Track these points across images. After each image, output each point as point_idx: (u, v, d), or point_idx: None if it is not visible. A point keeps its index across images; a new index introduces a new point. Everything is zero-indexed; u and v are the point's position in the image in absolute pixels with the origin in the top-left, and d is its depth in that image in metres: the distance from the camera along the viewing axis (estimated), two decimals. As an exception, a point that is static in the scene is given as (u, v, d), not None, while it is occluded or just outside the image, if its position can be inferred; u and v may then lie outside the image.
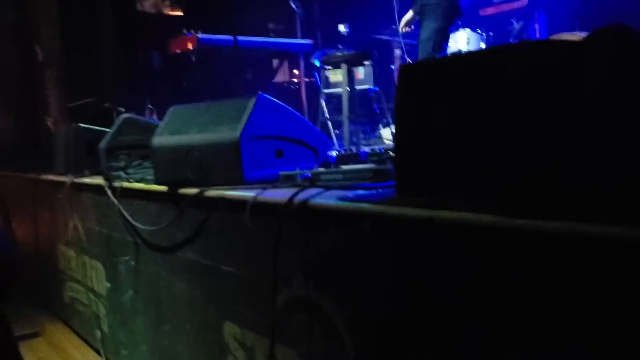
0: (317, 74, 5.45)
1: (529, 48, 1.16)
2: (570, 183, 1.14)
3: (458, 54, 3.37)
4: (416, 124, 1.46)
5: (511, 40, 5.17)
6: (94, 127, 3.66)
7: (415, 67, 1.51)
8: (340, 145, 4.98)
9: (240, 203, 1.97)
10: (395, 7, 6.48)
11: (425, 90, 1.44)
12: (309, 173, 2.06)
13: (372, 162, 2.50)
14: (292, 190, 1.85)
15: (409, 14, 5.03)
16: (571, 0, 5.13)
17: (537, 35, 5.16)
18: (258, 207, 1.90)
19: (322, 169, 2.08)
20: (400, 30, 5.03)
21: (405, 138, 1.50)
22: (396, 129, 1.55)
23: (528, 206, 1.17)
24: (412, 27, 5.02)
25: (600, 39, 1.09)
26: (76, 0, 6.82)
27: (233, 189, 2.12)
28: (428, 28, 4.64)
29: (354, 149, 3.24)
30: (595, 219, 1.03)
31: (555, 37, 3.96)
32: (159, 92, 6.44)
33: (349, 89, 4.33)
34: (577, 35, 3.91)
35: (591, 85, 1.10)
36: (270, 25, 8.85)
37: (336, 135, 5.22)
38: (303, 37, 5.83)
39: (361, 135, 5.27)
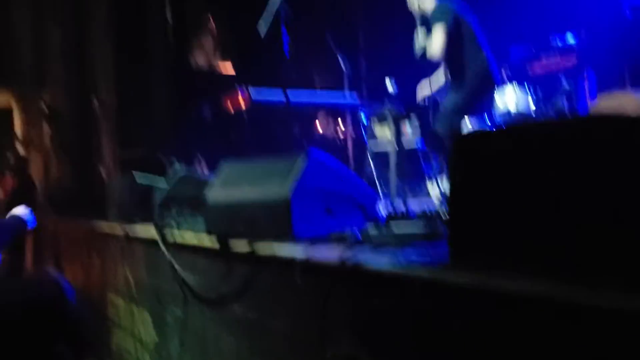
0: (363, 130, 5.51)
1: (593, 124, 1.16)
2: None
3: (517, 126, 3.26)
4: (472, 192, 1.46)
5: (560, 101, 5.12)
6: (147, 180, 3.76)
7: (472, 136, 1.52)
8: (388, 201, 4.98)
9: (290, 261, 1.99)
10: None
11: (482, 159, 1.44)
12: (359, 232, 2.07)
13: (421, 222, 2.50)
14: (343, 251, 1.85)
15: (440, 79, 4.66)
16: (620, 56, 5.08)
17: (587, 95, 5.11)
18: (308, 266, 1.91)
19: (372, 229, 2.09)
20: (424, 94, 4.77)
21: (460, 204, 1.50)
22: (451, 195, 1.55)
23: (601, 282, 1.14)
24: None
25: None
26: (132, 55, 7.15)
27: (283, 246, 2.14)
28: (453, 100, 4.28)
29: (402, 206, 3.23)
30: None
31: (606, 96, 3.93)
32: (208, 143, 6.61)
33: (396, 145, 4.35)
34: (629, 95, 3.87)
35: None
36: (317, 78, 9.05)
37: (383, 191, 5.23)
38: (350, 92, 5.93)
39: (408, 192, 5.25)
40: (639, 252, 1.09)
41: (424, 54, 4.25)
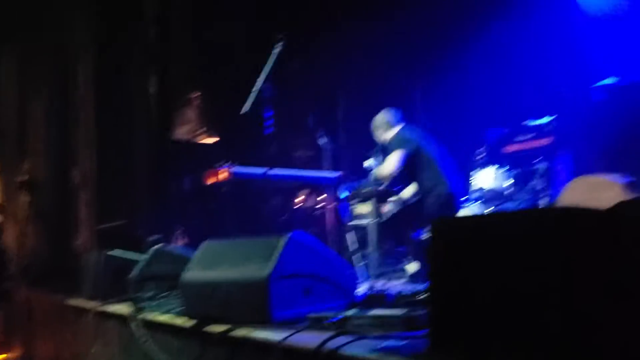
0: (343, 205, 5.55)
1: (561, 215, 1.19)
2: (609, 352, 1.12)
3: (494, 214, 3.34)
4: (450, 278, 1.47)
5: (535, 181, 5.24)
6: (123, 255, 3.71)
7: (449, 222, 1.54)
8: (367, 277, 4.95)
9: (267, 345, 1.95)
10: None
11: (460, 245, 1.45)
12: (338, 316, 2.04)
13: (400, 304, 2.49)
14: (321, 335, 1.82)
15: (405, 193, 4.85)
16: (596, 140, 5.24)
17: (562, 175, 5.23)
18: (285, 352, 1.87)
19: (351, 312, 2.07)
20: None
21: (439, 291, 1.50)
22: (430, 282, 1.55)
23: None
24: None
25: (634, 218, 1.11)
26: (113, 126, 7.19)
27: (260, 329, 2.10)
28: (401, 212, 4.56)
29: (380, 286, 3.22)
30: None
31: (580, 178, 4.03)
32: (189, 217, 6.57)
33: (375, 222, 4.37)
34: (601, 178, 3.97)
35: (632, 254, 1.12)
36: (299, 153, 9.16)
37: (363, 266, 5.20)
38: (330, 168, 6.01)
39: (387, 268, 5.24)
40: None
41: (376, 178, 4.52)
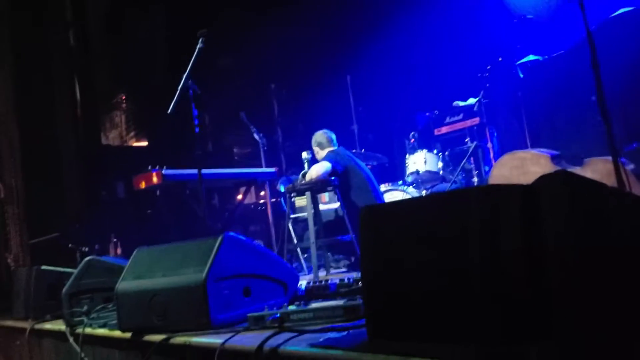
0: (283, 199, 5.53)
1: (486, 196, 1.20)
2: (542, 325, 1.14)
3: (419, 198, 3.43)
4: (383, 265, 1.47)
5: (466, 160, 5.37)
6: (56, 269, 3.57)
7: (377, 209, 1.54)
8: (310, 269, 4.95)
9: (208, 350, 1.91)
10: (355, 130, 6.76)
11: (390, 231, 1.45)
12: (278, 313, 2.02)
13: (341, 293, 2.49)
14: (262, 335, 1.80)
15: None
16: (520, 119, 5.41)
17: (491, 154, 5.38)
18: (226, 355, 1.84)
19: (291, 308, 2.04)
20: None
21: (372, 280, 1.50)
22: (362, 270, 1.54)
23: (504, 350, 1.16)
24: None
25: (552, 189, 1.13)
26: (39, 136, 6.89)
27: (200, 335, 2.06)
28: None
29: (323, 278, 3.22)
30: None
31: (509, 155, 4.14)
32: (123, 223, 6.40)
33: (314, 214, 4.38)
34: (530, 152, 4.10)
35: (552, 231, 1.14)
36: (236, 150, 9.07)
37: (305, 258, 5.20)
38: (267, 161, 5.97)
39: (330, 257, 5.26)
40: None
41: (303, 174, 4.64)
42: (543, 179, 1.22)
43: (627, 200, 1.28)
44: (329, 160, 4.59)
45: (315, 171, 4.49)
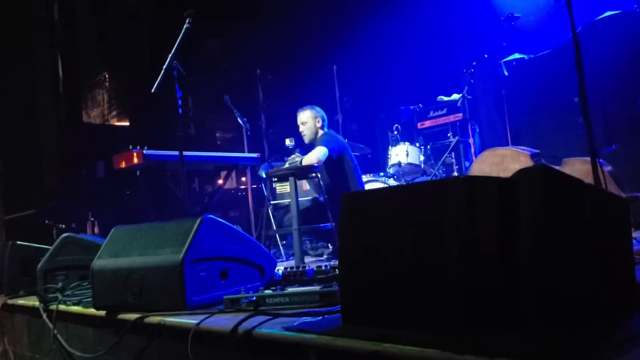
0: (264, 185, 5.52)
1: (464, 184, 1.22)
2: (513, 316, 1.16)
3: (399, 186, 3.43)
4: (359, 252, 1.48)
5: (447, 154, 5.43)
6: (31, 245, 3.53)
7: (357, 196, 1.55)
8: (288, 256, 4.96)
9: (182, 331, 1.91)
10: (339, 120, 6.76)
11: (367, 218, 1.47)
12: (254, 296, 2.02)
13: (318, 280, 2.50)
14: (237, 317, 1.80)
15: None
16: (502, 117, 5.46)
17: (472, 150, 5.43)
18: (201, 336, 1.84)
19: (267, 292, 2.05)
20: None
21: (349, 266, 1.51)
22: (340, 255, 1.56)
23: (474, 339, 1.18)
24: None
25: (530, 179, 1.15)
26: (18, 110, 6.79)
27: (175, 315, 2.05)
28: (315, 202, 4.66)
29: (301, 264, 3.23)
30: (539, 356, 1.04)
31: (489, 151, 4.18)
32: (102, 203, 6.34)
33: (296, 200, 4.37)
34: (510, 149, 4.14)
35: (528, 220, 1.16)
36: (218, 135, 9.02)
37: (283, 245, 5.21)
38: (250, 147, 5.95)
39: (308, 245, 5.28)
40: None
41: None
42: (522, 171, 1.24)
43: (602, 197, 1.31)
44: (326, 145, 4.47)
45: (316, 157, 4.35)
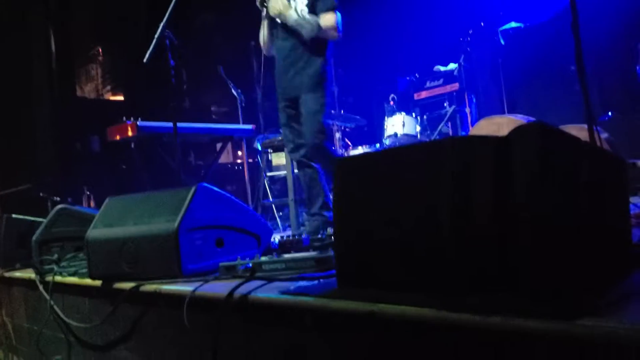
0: (259, 157, 5.50)
1: (459, 143, 1.20)
2: (505, 276, 1.16)
3: (395, 147, 3.33)
4: (355, 216, 1.47)
5: (444, 123, 5.40)
6: (27, 218, 3.51)
7: (350, 160, 1.54)
8: (285, 227, 4.96)
9: (178, 298, 1.90)
10: (335, 92, 6.70)
11: (362, 182, 1.45)
12: (250, 263, 2.02)
13: (314, 247, 2.50)
14: (233, 283, 1.80)
15: None
16: (499, 86, 5.43)
17: (469, 119, 5.41)
18: (196, 303, 1.84)
19: (263, 259, 2.05)
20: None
21: (344, 229, 1.50)
22: (335, 221, 1.54)
23: (468, 300, 1.17)
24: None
25: (524, 138, 1.13)
26: (11, 84, 6.72)
27: (170, 283, 2.05)
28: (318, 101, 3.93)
29: (297, 235, 3.23)
30: (533, 314, 1.04)
31: (486, 119, 4.16)
32: (98, 177, 6.32)
33: (292, 171, 4.36)
34: (507, 118, 4.12)
35: (522, 179, 1.14)
36: (213, 108, 8.96)
37: (280, 216, 5.21)
38: (245, 121, 5.92)
39: (305, 216, 5.27)
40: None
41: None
42: (518, 128, 1.23)
43: (600, 155, 1.29)
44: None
45: (335, 19, 3.54)
